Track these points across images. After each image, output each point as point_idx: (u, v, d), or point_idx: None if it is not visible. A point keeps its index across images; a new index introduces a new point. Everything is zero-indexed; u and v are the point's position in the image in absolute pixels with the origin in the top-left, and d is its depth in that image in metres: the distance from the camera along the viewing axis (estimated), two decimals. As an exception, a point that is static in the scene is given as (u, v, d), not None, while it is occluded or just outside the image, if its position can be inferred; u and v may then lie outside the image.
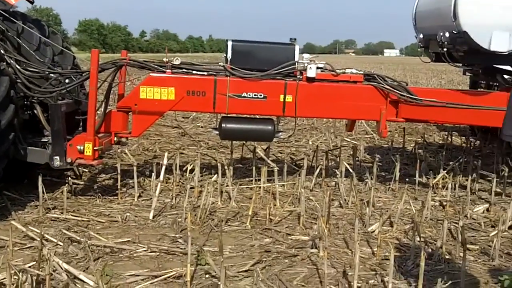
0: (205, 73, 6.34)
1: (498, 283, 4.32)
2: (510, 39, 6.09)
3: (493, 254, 4.97)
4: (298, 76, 6.33)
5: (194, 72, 6.34)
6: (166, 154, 6.63)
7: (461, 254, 4.32)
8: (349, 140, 10.51)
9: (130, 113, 6.37)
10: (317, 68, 6.31)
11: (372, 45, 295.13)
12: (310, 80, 6.27)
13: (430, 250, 5.08)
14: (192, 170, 6.97)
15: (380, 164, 8.31)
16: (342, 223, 5.81)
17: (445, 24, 6.32)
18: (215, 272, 4.37)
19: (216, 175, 6.72)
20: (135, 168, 6.50)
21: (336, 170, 7.20)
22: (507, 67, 7.04)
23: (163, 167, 6.37)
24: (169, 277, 4.38)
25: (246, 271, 4.54)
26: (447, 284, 4.11)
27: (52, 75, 6.24)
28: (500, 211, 6.26)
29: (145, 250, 4.91)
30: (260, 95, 6.25)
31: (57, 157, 5.94)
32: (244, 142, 8.32)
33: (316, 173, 7.04)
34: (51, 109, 5.98)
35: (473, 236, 5.56)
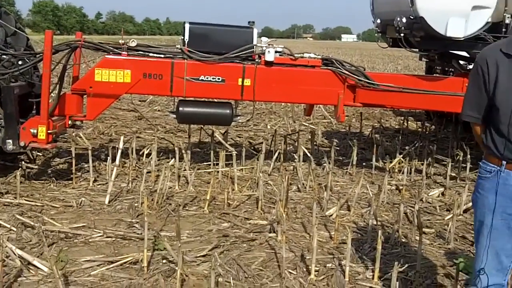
0: (162, 55, 6.25)
1: (453, 266, 4.39)
2: (466, 25, 6.16)
3: (449, 237, 5.05)
4: (257, 60, 6.29)
5: (150, 54, 6.24)
6: (122, 138, 6.53)
7: (417, 238, 4.38)
8: (307, 124, 10.54)
9: (84, 96, 6.24)
10: (276, 52, 6.28)
11: (330, 30, 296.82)
12: (269, 64, 6.23)
13: (386, 233, 5.13)
14: (148, 154, 6.87)
15: (338, 148, 8.36)
16: (300, 207, 5.82)
17: (402, 9, 6.35)
18: (172, 257, 4.32)
19: (173, 159, 6.65)
20: (90, 152, 6.38)
21: (294, 154, 7.21)
22: (463, 53, 7.13)
23: (119, 151, 6.27)
24: (125, 262, 4.32)
25: (204, 256, 4.51)
26: (403, 267, 4.16)
27: (4, 56, 6.05)
28: (455, 195, 6.38)
29: (100, 236, 4.83)
30: (218, 79, 6.19)
31: (10, 141, 5.78)
32: (202, 126, 8.27)
33: (274, 157, 7.04)
34: (4, 92, 5.81)
35: (428, 220, 5.65)
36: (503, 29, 6.60)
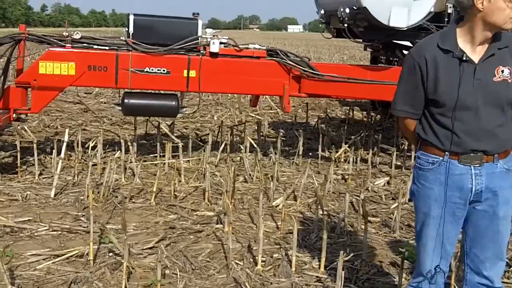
0: (107, 47, 6.19)
1: (399, 254, 4.48)
2: (409, 15, 6.27)
3: (394, 226, 5.14)
4: (202, 51, 6.28)
5: (95, 46, 6.17)
6: (67, 130, 6.41)
7: (363, 227, 4.45)
8: (253, 115, 10.57)
9: (29, 89, 6.11)
10: (220, 43, 6.29)
11: (276, 21, 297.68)
12: (214, 55, 6.23)
13: (333, 223, 5.20)
14: (94, 147, 6.78)
15: (284, 139, 8.42)
16: (247, 198, 5.85)
17: (346, 0, 6.42)
18: (118, 250, 4.29)
19: (119, 151, 6.56)
20: (35, 146, 6.24)
21: (240, 145, 7.22)
22: (406, 43, 7.26)
23: (64, 144, 6.17)
24: (71, 256, 4.27)
25: (150, 248, 4.49)
26: (349, 256, 4.22)
27: None
28: (400, 183, 6.50)
29: (46, 229, 4.76)
30: (164, 70, 6.16)
31: (-49, 134, 5.61)
32: (148, 118, 8.19)
33: (221, 148, 7.04)
34: None
35: (374, 209, 5.74)
36: (446, 19, 6.74)
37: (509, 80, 2.70)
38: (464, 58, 2.70)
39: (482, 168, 2.76)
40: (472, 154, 2.75)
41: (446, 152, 2.79)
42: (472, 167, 2.76)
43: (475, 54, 2.73)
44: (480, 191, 2.78)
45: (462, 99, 2.70)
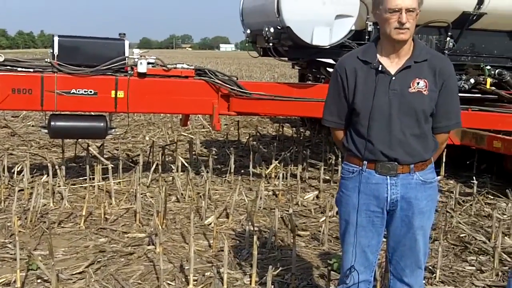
0: (32, 70, 6.10)
1: (328, 266, 4.57)
2: (331, 34, 6.44)
3: (323, 239, 5.25)
4: (129, 72, 6.27)
5: (19, 69, 6.07)
6: (-9, 156, 6.23)
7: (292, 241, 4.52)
8: (186, 134, 10.55)
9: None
10: (148, 63, 6.30)
11: (208, 40, 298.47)
12: (141, 75, 6.24)
13: (264, 238, 5.25)
14: (21, 172, 6.61)
15: (216, 157, 8.45)
16: (179, 218, 5.83)
17: (270, 20, 6.54)
18: (47, 276, 4.19)
19: (46, 175, 6.43)
20: (-42, 172, 6.04)
21: (172, 165, 7.20)
22: (330, 60, 7.45)
23: (-11, 170, 5.99)
24: (-2, 284, 4.14)
25: (80, 273, 4.40)
26: (278, 270, 4.28)
27: None
28: (328, 197, 6.61)
29: (-29, 258, 4.60)
30: (91, 92, 6.12)
31: None
32: (77, 140, 8.07)
33: (152, 169, 7.00)
34: None
35: (304, 223, 5.84)
36: (366, 36, 6.96)
37: (424, 92, 2.83)
38: (380, 69, 2.85)
39: (397, 179, 2.89)
40: (387, 164, 2.87)
41: (364, 162, 2.91)
42: (388, 177, 2.89)
43: (393, 66, 2.87)
44: (396, 200, 2.90)
45: (376, 108, 2.83)
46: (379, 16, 2.82)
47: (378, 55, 2.89)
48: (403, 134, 2.85)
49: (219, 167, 7.89)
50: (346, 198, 3.00)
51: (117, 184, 6.72)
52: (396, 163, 2.87)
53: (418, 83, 2.84)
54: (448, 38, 7.26)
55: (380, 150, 2.86)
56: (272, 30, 6.48)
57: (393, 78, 2.84)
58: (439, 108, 2.89)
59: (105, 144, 8.24)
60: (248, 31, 7.62)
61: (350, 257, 3.01)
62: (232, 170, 7.23)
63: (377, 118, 2.84)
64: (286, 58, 7.72)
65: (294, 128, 10.95)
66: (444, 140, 3.04)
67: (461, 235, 5.50)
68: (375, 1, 2.88)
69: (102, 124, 6.23)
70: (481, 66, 7.68)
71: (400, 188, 2.89)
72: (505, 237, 5.20)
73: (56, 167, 6.59)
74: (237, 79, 6.86)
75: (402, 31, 2.77)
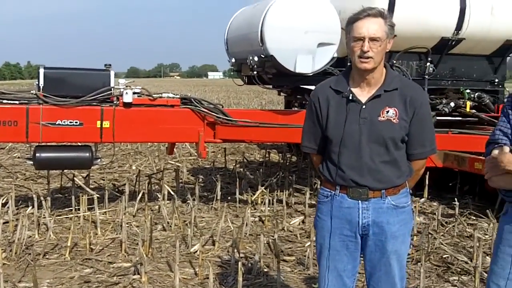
0: (17, 101, 6.14)
1: (312, 290, 4.61)
2: (313, 61, 6.56)
3: (308, 263, 5.28)
4: (115, 102, 6.33)
5: (4, 101, 6.11)
6: (-24, 188, 6.24)
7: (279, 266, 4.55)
8: (173, 162, 10.59)
9: None
10: (134, 93, 6.36)
11: (197, 68, 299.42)
12: (127, 105, 6.29)
13: (249, 264, 5.28)
14: (6, 203, 6.61)
15: (203, 184, 8.48)
16: (165, 246, 5.85)
17: (254, 49, 6.66)
18: (31, 308, 4.19)
19: (31, 207, 6.44)
20: None
21: (158, 194, 7.23)
22: (313, 87, 7.54)
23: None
24: (-19, 319, 4.12)
25: (65, 304, 4.41)
26: (262, 296, 4.31)
27: None
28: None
29: (-46, 293, 4.57)
30: (76, 122, 6.16)
31: None
32: (62, 170, 8.08)
33: (138, 198, 7.02)
34: None
35: (289, 248, 5.87)
36: (348, 63, 7.07)
37: (394, 120, 2.90)
38: (351, 98, 2.93)
39: (369, 203, 2.94)
40: (359, 189, 2.93)
41: (337, 186, 2.98)
42: (359, 201, 2.94)
43: (364, 95, 2.95)
44: (367, 224, 2.95)
45: (347, 136, 2.91)
46: (348, 45, 2.91)
47: (350, 84, 2.97)
48: (373, 161, 2.91)
49: (206, 194, 7.92)
50: (321, 222, 3.07)
51: (102, 214, 6.73)
52: (367, 188, 2.93)
53: (387, 112, 2.90)
54: (428, 63, 7.41)
55: (350, 177, 2.93)
56: (256, 58, 6.60)
57: (364, 106, 2.92)
58: (412, 136, 2.95)
59: (91, 174, 8.25)
60: (233, 60, 7.73)
61: (324, 280, 3.07)
62: (219, 197, 7.27)
63: (348, 146, 2.92)
64: (271, 86, 7.82)
65: (281, 154, 11.02)
66: (420, 167, 3.10)
67: (444, 256, 5.55)
68: (346, 31, 2.97)
69: (87, 154, 6.27)
70: (461, 89, 7.83)
71: (371, 213, 2.95)
72: (486, 257, 5.25)
73: (42, 198, 6.60)
74: (223, 107, 6.95)
75: (364, 60, 2.84)
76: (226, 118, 6.62)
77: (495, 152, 2.77)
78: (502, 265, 2.85)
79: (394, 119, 2.90)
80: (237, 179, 7.78)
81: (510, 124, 2.81)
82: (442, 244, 5.84)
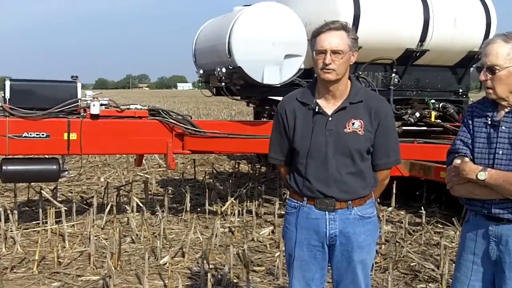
0: (-18, 115, 6.07)
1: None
2: (281, 73, 6.63)
3: (277, 273, 5.31)
4: (82, 114, 6.30)
5: None
6: None
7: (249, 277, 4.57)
8: (142, 174, 10.54)
9: None
10: (101, 104, 6.33)
11: (166, 79, 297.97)
12: (94, 117, 6.26)
13: (219, 276, 5.28)
14: (-28, 218, 6.50)
15: (172, 196, 8.46)
16: (134, 259, 5.82)
17: (222, 60, 6.70)
18: (-3, 324, 4.14)
19: (-3, 220, 6.35)
20: None
21: (126, 206, 7.19)
22: (281, 98, 7.61)
23: None
24: None
25: (32, 318, 4.36)
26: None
27: None
28: (283, 231, 6.70)
29: None
30: (43, 134, 6.11)
31: None
32: (29, 183, 7.99)
33: (107, 210, 6.97)
34: None
35: (259, 258, 5.89)
36: (315, 75, 7.15)
37: (359, 132, 2.96)
38: (317, 110, 2.97)
39: (336, 214, 2.99)
40: (325, 200, 2.98)
41: (304, 197, 3.02)
42: (327, 212, 2.99)
43: (329, 107, 3.00)
44: (334, 235, 3.00)
45: (314, 147, 2.95)
46: (312, 58, 2.97)
47: (316, 97, 3.02)
48: (339, 172, 2.96)
49: (175, 206, 7.90)
50: (289, 233, 3.10)
51: (70, 227, 6.68)
52: (333, 199, 2.98)
53: (353, 124, 2.96)
54: (394, 74, 7.55)
55: (317, 188, 2.98)
56: (224, 70, 6.63)
57: (330, 118, 2.97)
58: (377, 147, 3.01)
59: (58, 187, 8.18)
60: (201, 71, 7.75)
61: None
62: (188, 209, 7.27)
63: (315, 157, 2.96)
64: (239, 97, 7.86)
65: (250, 165, 11.06)
66: (385, 177, 3.17)
67: (411, 264, 5.63)
68: (310, 44, 3.04)
69: (54, 166, 6.21)
70: (426, 100, 7.98)
71: (338, 223, 2.99)
72: (453, 264, 5.32)
73: (8, 211, 6.52)
74: (192, 118, 6.96)
75: (326, 70, 2.89)
76: (195, 129, 6.63)
77: (457, 161, 2.85)
78: (465, 272, 2.92)
79: (359, 131, 2.95)
80: (207, 190, 7.79)
81: (470, 134, 2.89)
82: (409, 252, 5.92)
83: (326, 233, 3.00)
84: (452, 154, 2.94)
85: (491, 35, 7.34)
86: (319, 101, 3.01)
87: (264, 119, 9.68)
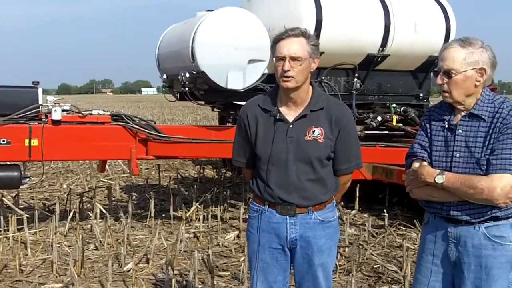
0: None
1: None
2: (244, 78, 6.66)
3: (243, 278, 5.31)
4: (43, 119, 6.22)
5: None
6: None
7: (214, 282, 4.57)
8: (105, 180, 10.44)
9: None
10: (63, 110, 6.26)
11: (130, 84, 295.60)
12: (56, 122, 6.19)
13: (184, 281, 5.26)
14: None
15: (136, 202, 8.41)
16: (98, 266, 5.76)
17: (185, 65, 6.69)
18: (-43, 334, 4.06)
19: (-43, 229, 6.23)
20: None
21: (89, 212, 7.12)
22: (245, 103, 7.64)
23: None
24: None
25: (-7, 328, 4.29)
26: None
27: None
28: (247, 236, 6.71)
29: None
30: (3, 141, 6.02)
31: None
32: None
33: (69, 217, 6.89)
34: None
35: (225, 263, 5.89)
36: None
37: (319, 140, 2.99)
38: (278, 117, 3.00)
39: (296, 218, 3.03)
40: (287, 206, 3.01)
41: (266, 202, 3.05)
42: (287, 217, 3.02)
43: (291, 114, 3.03)
44: (295, 239, 3.04)
45: (274, 154, 2.98)
46: (273, 64, 2.99)
47: (278, 103, 3.05)
48: (299, 179, 2.99)
49: (139, 212, 7.85)
50: (252, 236, 3.13)
51: (32, 234, 6.57)
52: (294, 205, 3.01)
53: (313, 131, 2.99)
54: (356, 79, 7.65)
55: (278, 194, 3.01)
56: (187, 75, 6.63)
57: (291, 126, 3.00)
58: (338, 153, 3.04)
59: (20, 194, 8.05)
60: (165, 76, 7.73)
61: None
62: (153, 215, 7.22)
63: (276, 164, 2.99)
64: (203, 102, 7.86)
65: (215, 170, 11.05)
66: (346, 181, 3.21)
67: (375, 266, 5.71)
68: (271, 51, 3.06)
69: (15, 173, 6.12)
70: (388, 104, 8.10)
71: (299, 227, 3.03)
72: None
73: (-32, 219, 6.39)
74: (155, 123, 6.93)
75: (285, 79, 2.91)
76: (159, 134, 6.60)
77: (416, 165, 2.90)
78: (425, 273, 2.98)
79: (320, 138, 2.98)
80: (171, 195, 7.75)
81: (428, 137, 2.94)
82: (372, 254, 6.00)
83: (287, 237, 3.03)
84: (411, 157, 2.99)
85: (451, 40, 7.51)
86: (280, 108, 3.03)
87: (229, 124, 9.70)
